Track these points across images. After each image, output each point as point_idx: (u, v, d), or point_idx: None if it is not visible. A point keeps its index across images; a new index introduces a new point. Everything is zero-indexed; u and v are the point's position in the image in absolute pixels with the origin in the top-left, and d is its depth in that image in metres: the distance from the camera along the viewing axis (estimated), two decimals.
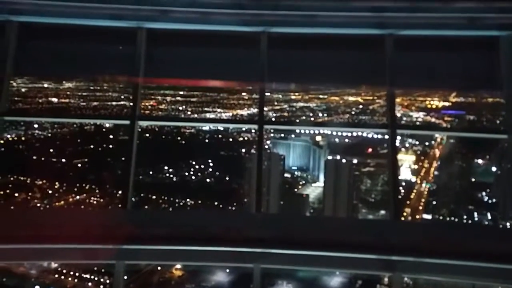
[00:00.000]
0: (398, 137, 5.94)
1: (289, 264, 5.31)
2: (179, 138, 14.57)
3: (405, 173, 13.49)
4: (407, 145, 13.96)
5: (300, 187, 14.18)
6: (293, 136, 14.71)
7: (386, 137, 5.80)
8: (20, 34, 5.95)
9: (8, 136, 12.99)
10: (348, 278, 10.60)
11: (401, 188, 12.55)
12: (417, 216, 12.93)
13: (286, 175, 14.24)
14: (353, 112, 14.00)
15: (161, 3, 5.73)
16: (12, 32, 5.89)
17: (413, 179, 13.73)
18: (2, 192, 12.23)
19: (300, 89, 13.98)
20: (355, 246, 4.88)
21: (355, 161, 13.78)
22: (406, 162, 13.62)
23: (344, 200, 13.01)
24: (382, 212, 12.56)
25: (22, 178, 13.28)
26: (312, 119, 13.97)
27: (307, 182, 14.30)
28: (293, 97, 14.42)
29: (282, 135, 14.60)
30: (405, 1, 5.60)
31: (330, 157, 14.10)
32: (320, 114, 14.32)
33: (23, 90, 12.97)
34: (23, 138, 13.83)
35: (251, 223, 5.33)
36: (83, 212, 8.15)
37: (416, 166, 13.86)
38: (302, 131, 14.65)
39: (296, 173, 14.48)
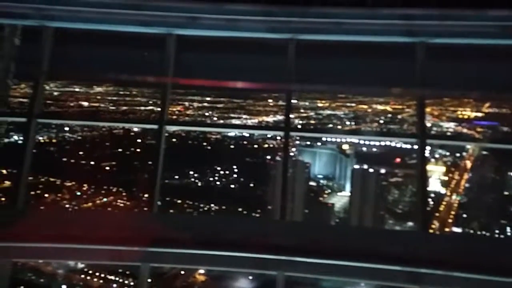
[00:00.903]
0: (428, 148, 5.80)
1: (313, 272, 5.24)
2: (205, 143, 14.71)
3: (434, 185, 13.19)
4: (437, 155, 13.67)
5: (325, 195, 14.06)
6: (319, 144, 14.62)
7: (415, 147, 5.69)
8: (55, 40, 6.14)
9: (40, 138, 13.41)
10: None
11: (430, 199, 12.28)
12: (446, 229, 12.59)
13: (311, 183, 14.15)
14: (381, 121, 13.83)
15: (190, 10, 5.81)
16: (48, 37, 6.09)
17: (443, 190, 13.41)
18: (33, 193, 12.60)
19: (328, 97, 13.91)
20: (381, 257, 4.78)
21: (382, 171, 13.59)
22: (436, 173, 13.32)
23: (371, 210, 12.81)
24: (410, 223, 12.31)
25: (52, 179, 13.67)
26: (339, 127, 13.86)
27: (333, 191, 14.17)
28: (320, 104, 14.35)
29: (308, 142, 14.53)
30: (436, 9, 5.49)
31: (357, 166, 13.94)
32: (348, 122, 14.20)
33: (55, 93, 13.39)
34: (54, 141, 14.25)
35: (276, 230, 5.30)
36: (110, 214, 8.29)
37: (446, 178, 13.53)
38: (329, 139, 14.55)
39: (321, 181, 14.36)
